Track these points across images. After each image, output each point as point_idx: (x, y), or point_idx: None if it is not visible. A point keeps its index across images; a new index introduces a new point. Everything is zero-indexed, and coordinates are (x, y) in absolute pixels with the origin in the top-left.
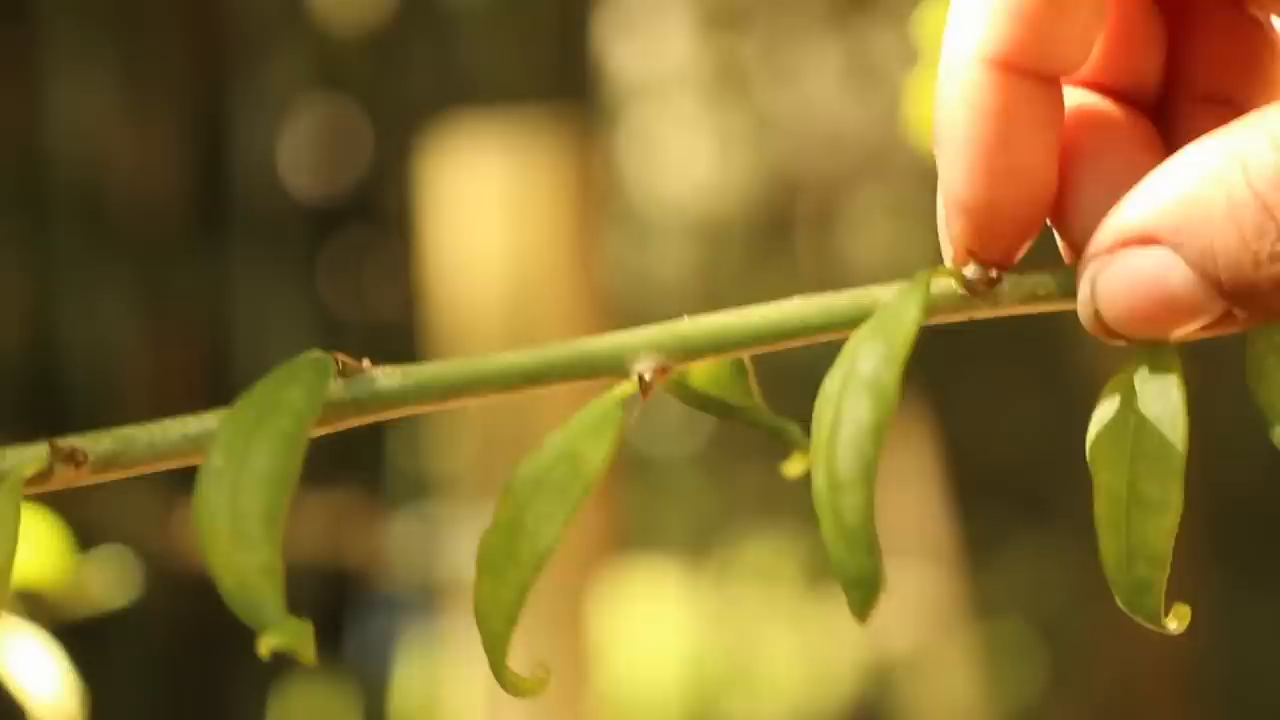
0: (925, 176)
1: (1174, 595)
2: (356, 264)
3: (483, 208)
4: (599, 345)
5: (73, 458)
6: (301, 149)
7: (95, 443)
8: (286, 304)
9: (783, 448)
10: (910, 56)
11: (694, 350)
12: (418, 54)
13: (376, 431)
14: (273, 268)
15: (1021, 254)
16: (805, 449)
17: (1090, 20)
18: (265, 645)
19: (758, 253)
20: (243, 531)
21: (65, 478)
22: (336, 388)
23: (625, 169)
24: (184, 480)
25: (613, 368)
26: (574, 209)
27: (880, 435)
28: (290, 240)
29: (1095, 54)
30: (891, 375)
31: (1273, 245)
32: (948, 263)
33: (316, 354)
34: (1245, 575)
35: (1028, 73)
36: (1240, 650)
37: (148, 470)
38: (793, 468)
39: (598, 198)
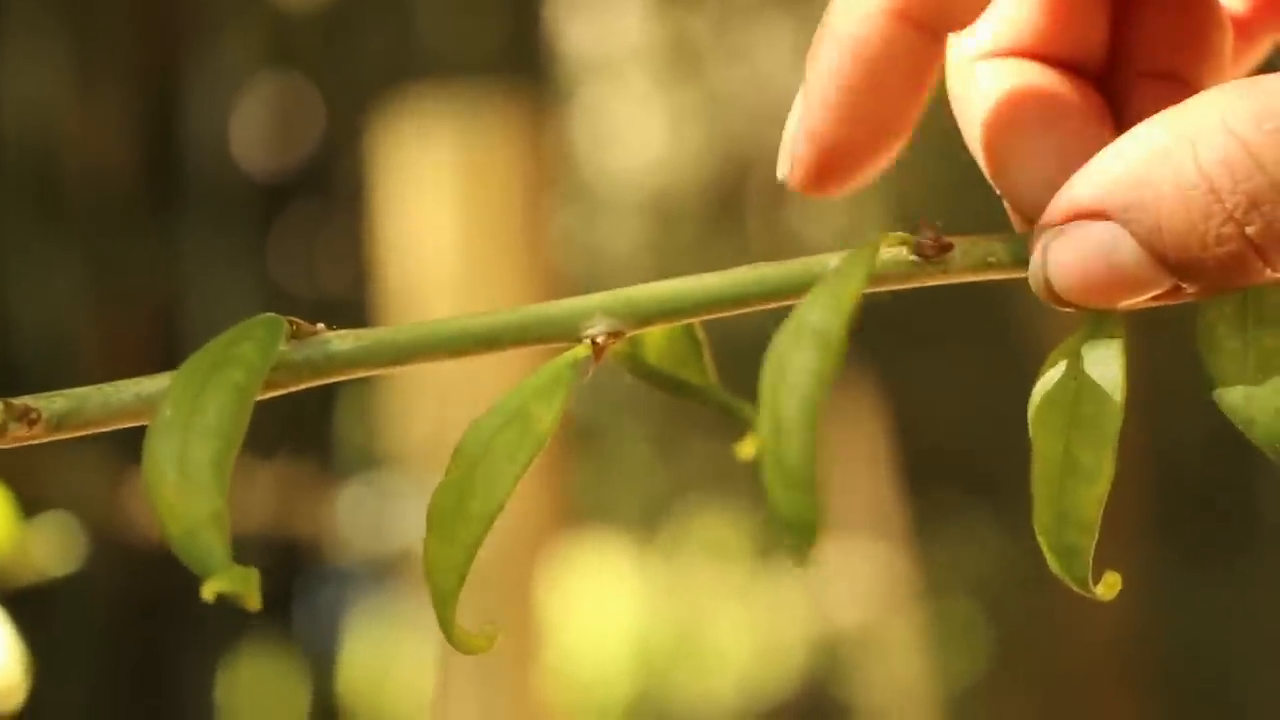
0: None
1: (1120, 569)
2: (308, 240)
3: (435, 184)
4: (552, 309)
5: (26, 416)
6: (254, 124)
7: (49, 402)
8: (238, 280)
9: (735, 424)
10: None
11: (646, 315)
12: (371, 29)
13: (326, 402)
14: (224, 243)
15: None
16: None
17: None
18: (210, 590)
19: (709, 229)
20: (191, 480)
21: (18, 436)
22: (290, 349)
23: (578, 145)
24: (132, 450)
25: (565, 332)
26: (526, 185)
27: (825, 381)
28: (242, 216)
29: (1041, 26)
30: (837, 324)
31: (1219, 227)
32: (781, 165)
33: (270, 315)
34: (1189, 554)
35: (918, 24)
36: (1184, 628)
37: (101, 429)
38: (745, 449)
39: (550, 174)
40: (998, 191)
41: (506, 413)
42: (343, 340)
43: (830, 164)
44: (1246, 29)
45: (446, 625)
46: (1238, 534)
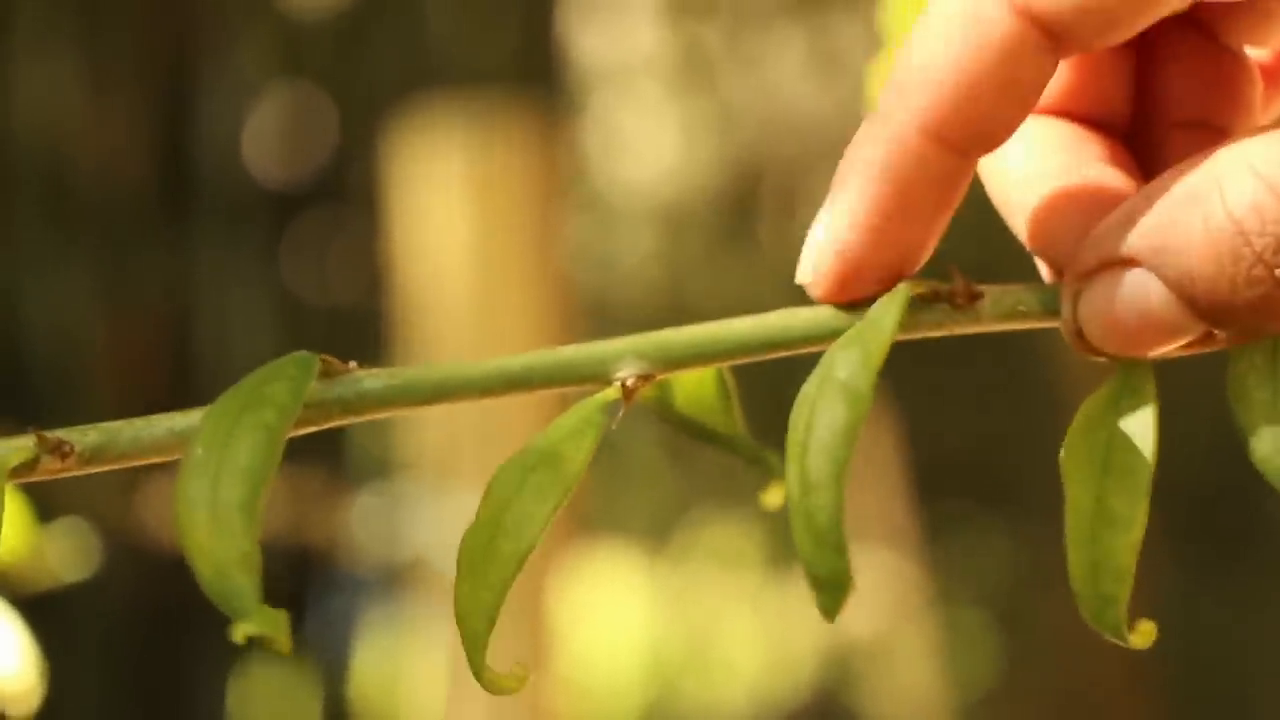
0: None
1: (1132, 583)
2: (321, 248)
3: (448, 193)
4: (581, 352)
5: (59, 449)
6: (266, 132)
7: (82, 435)
8: (251, 287)
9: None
10: (873, 44)
11: (677, 359)
12: (384, 38)
13: None
14: (237, 252)
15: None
16: (783, 479)
17: (1015, 113)
18: (240, 634)
19: (721, 239)
20: (221, 521)
21: (50, 469)
22: (321, 387)
23: (590, 154)
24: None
25: (595, 374)
26: (538, 194)
27: (852, 438)
28: (255, 224)
29: (1065, 83)
30: (866, 380)
31: (1249, 270)
32: (803, 272)
33: (302, 353)
34: (1200, 561)
35: (952, 146)
36: (1195, 637)
37: (132, 464)
38: (771, 498)
39: (562, 183)
40: (1026, 247)
41: (537, 454)
42: (373, 379)
43: (856, 279)
44: (1272, 77)
45: (478, 668)
46: (1248, 541)
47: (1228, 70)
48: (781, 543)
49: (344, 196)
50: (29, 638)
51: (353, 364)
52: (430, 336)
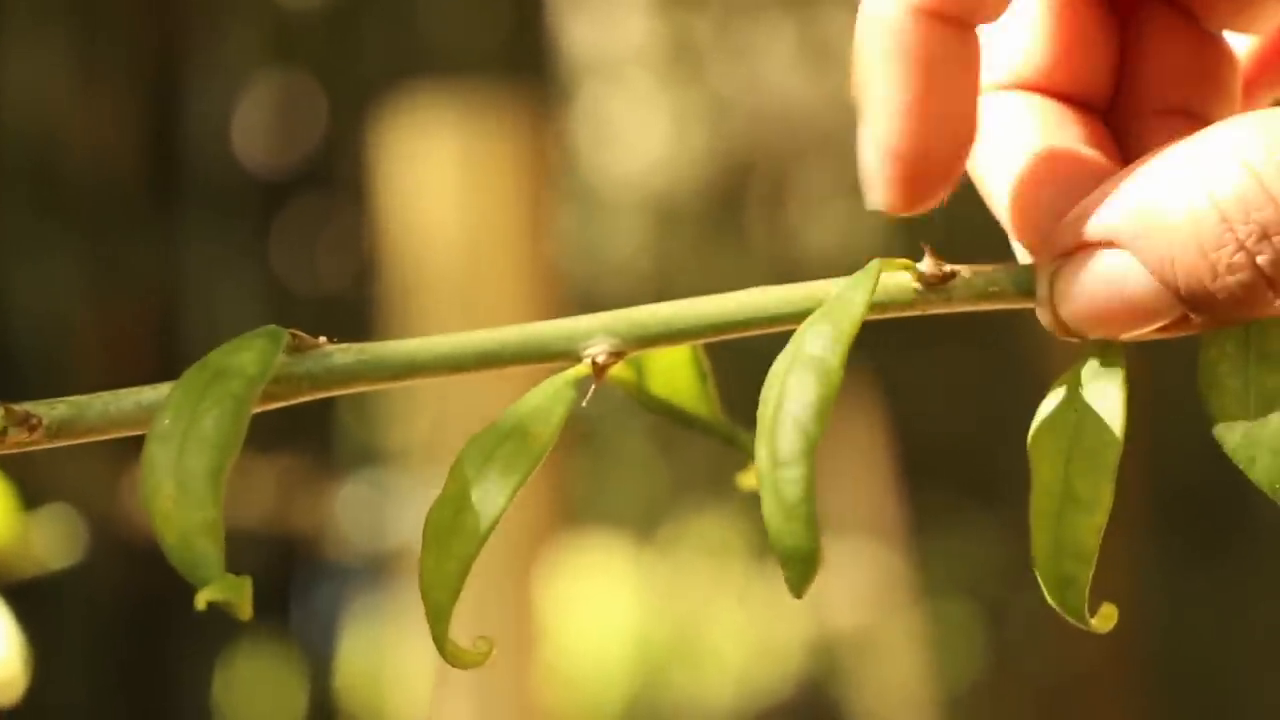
0: None
1: (1118, 570)
2: (310, 236)
3: (436, 182)
4: (552, 328)
5: (26, 422)
6: (255, 121)
7: (50, 408)
8: (239, 275)
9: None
10: None
11: (648, 336)
12: (373, 27)
13: (326, 399)
14: (226, 239)
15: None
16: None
17: None
18: (203, 599)
19: (710, 230)
20: (187, 489)
21: (18, 441)
22: (290, 361)
23: (579, 144)
24: (133, 445)
25: (566, 351)
26: (527, 184)
27: (823, 413)
28: (243, 212)
29: (1048, 60)
30: (836, 355)
31: (1230, 257)
32: (871, 193)
33: (272, 326)
34: (1188, 553)
35: (949, 19)
36: (1183, 629)
37: (101, 437)
38: (747, 480)
39: (551, 173)
40: (1001, 223)
41: (504, 429)
42: (343, 354)
43: (920, 177)
44: (1264, 64)
45: (440, 640)
46: (1236, 533)
47: (1208, 56)
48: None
49: (333, 185)
50: (14, 625)
51: (323, 339)
52: (418, 325)
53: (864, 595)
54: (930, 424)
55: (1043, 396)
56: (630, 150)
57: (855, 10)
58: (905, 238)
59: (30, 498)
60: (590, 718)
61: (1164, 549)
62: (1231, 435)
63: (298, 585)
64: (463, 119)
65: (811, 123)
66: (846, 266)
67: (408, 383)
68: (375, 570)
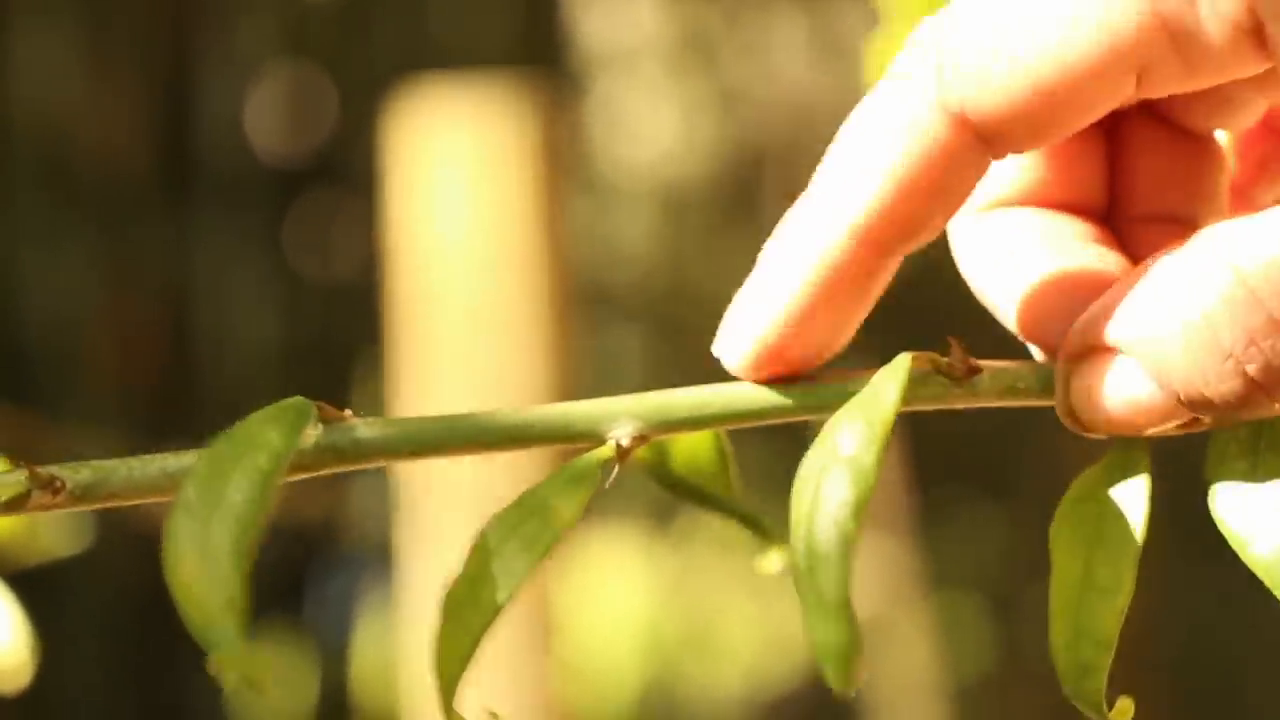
0: None
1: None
2: (321, 227)
3: (448, 173)
4: (577, 410)
5: (50, 485)
6: (267, 111)
7: (74, 472)
8: (250, 266)
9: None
10: (873, 25)
11: (672, 421)
12: (385, 18)
13: (339, 391)
14: (237, 230)
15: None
16: (781, 542)
17: (961, 199)
18: (230, 681)
19: (722, 220)
20: (210, 565)
21: (41, 504)
22: (316, 434)
23: (592, 136)
24: (143, 434)
25: (590, 432)
26: (540, 175)
27: (860, 512)
28: (255, 202)
29: (1039, 174)
30: (871, 455)
31: (1220, 365)
32: (722, 348)
33: (298, 399)
34: (1198, 544)
35: (880, 248)
36: (1193, 619)
37: (124, 502)
38: (768, 564)
39: (564, 164)
40: (1015, 331)
41: (529, 506)
42: (368, 428)
43: (773, 364)
44: (1242, 192)
45: (447, 711)
46: None
47: (1191, 159)
48: (781, 529)
49: (345, 177)
50: (23, 615)
51: (348, 412)
52: (429, 317)
53: (874, 587)
54: (941, 417)
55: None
56: (642, 141)
57: (865, 0)
58: None
59: None
60: (603, 709)
61: (1176, 538)
62: (1224, 503)
63: (311, 576)
64: (475, 111)
65: (823, 113)
66: None
67: (432, 458)
68: (388, 561)
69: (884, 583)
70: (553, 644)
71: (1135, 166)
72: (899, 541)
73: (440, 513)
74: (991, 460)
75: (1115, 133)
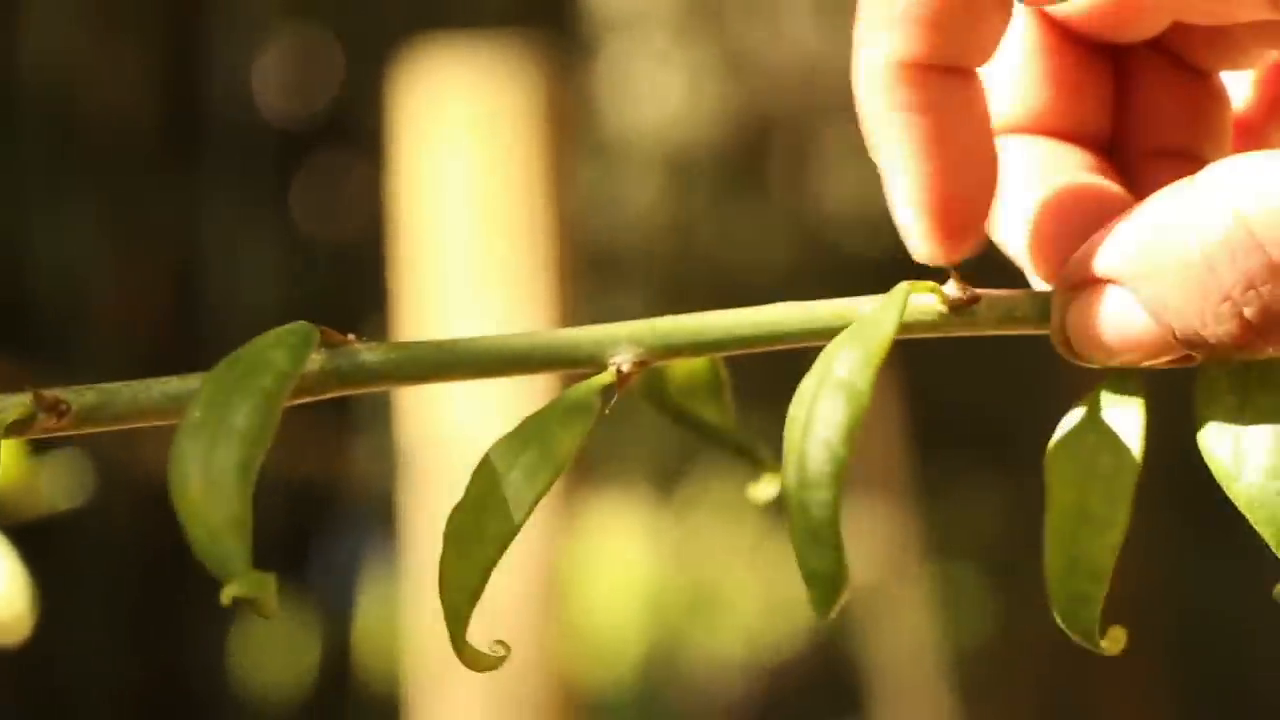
0: None
1: (1128, 539)
2: (327, 187)
3: (455, 134)
4: (579, 336)
5: (55, 408)
6: (274, 72)
7: (78, 395)
8: (257, 227)
9: (749, 389)
10: None
11: (673, 347)
12: None
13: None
14: (244, 190)
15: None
16: (774, 471)
17: (997, 19)
18: (228, 595)
19: (729, 185)
20: (215, 484)
21: (46, 426)
22: (320, 358)
23: (599, 99)
24: None
25: (592, 358)
26: (546, 138)
27: (852, 436)
28: (261, 163)
29: (1044, 106)
30: (865, 379)
31: (1216, 306)
32: (916, 248)
33: (303, 323)
34: (1198, 519)
35: (945, 70)
36: (1193, 593)
37: (128, 425)
38: (761, 490)
39: (570, 127)
40: (1014, 259)
41: (528, 435)
42: (371, 353)
43: (954, 225)
44: (1254, 130)
45: (458, 643)
46: None
47: (1198, 96)
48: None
49: (351, 138)
50: (22, 566)
51: (351, 336)
52: (434, 279)
53: (875, 554)
54: (942, 386)
55: (1053, 359)
56: (649, 104)
57: None
58: None
59: (40, 441)
60: (606, 673)
61: (1176, 514)
62: (1209, 439)
63: (315, 538)
64: (481, 73)
65: (831, 78)
66: (864, 222)
67: (435, 382)
68: (393, 523)
69: (884, 551)
70: (557, 608)
71: (1141, 101)
72: (899, 510)
73: (445, 475)
74: (991, 429)
75: (1121, 67)
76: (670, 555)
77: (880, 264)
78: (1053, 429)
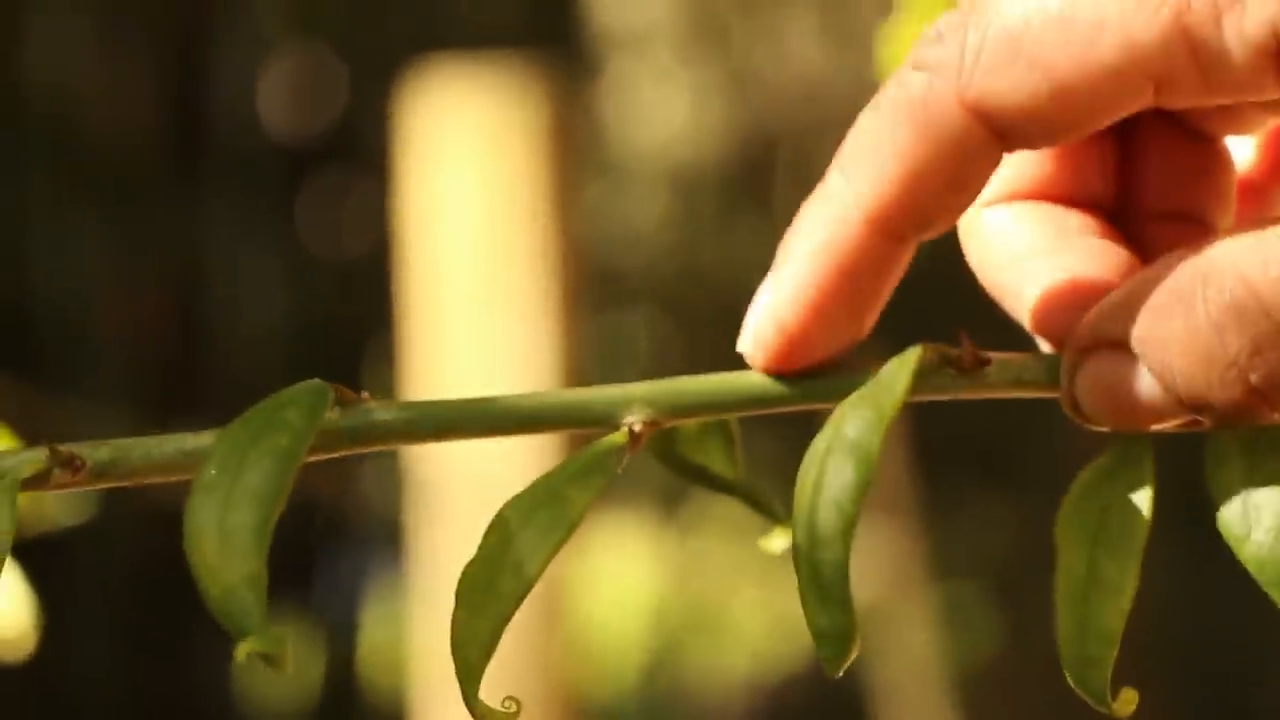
0: None
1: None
2: (332, 205)
3: (460, 153)
4: (592, 396)
5: (70, 464)
6: (279, 90)
7: (94, 450)
8: (262, 244)
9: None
10: (886, 9)
11: (686, 409)
12: None
13: (349, 371)
14: (248, 207)
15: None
16: (786, 523)
17: (975, 190)
18: (243, 651)
19: (735, 203)
20: (231, 543)
21: (61, 482)
22: (332, 416)
23: (604, 117)
24: (149, 405)
25: (604, 419)
26: (551, 156)
27: (861, 495)
28: (266, 180)
29: (1047, 171)
30: (875, 440)
31: (1223, 371)
32: (744, 342)
33: (316, 381)
34: (1206, 532)
35: (893, 234)
36: (1199, 607)
37: (143, 481)
38: (773, 543)
39: (575, 145)
40: (1019, 321)
41: (543, 493)
42: (384, 411)
43: (796, 353)
44: (1258, 191)
45: (470, 700)
46: None
47: (1202, 160)
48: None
49: (356, 155)
50: (25, 583)
51: (365, 394)
52: (439, 297)
53: (879, 573)
54: (948, 405)
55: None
56: (654, 124)
57: None
58: None
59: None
60: (610, 691)
61: (1183, 527)
62: (1229, 506)
63: (321, 555)
64: (487, 91)
65: (835, 98)
66: None
67: (447, 440)
68: (398, 542)
69: (889, 569)
70: (562, 625)
71: (1145, 165)
72: (904, 528)
73: (451, 494)
74: (997, 448)
75: (1125, 131)
76: (675, 573)
77: None
78: (1058, 449)
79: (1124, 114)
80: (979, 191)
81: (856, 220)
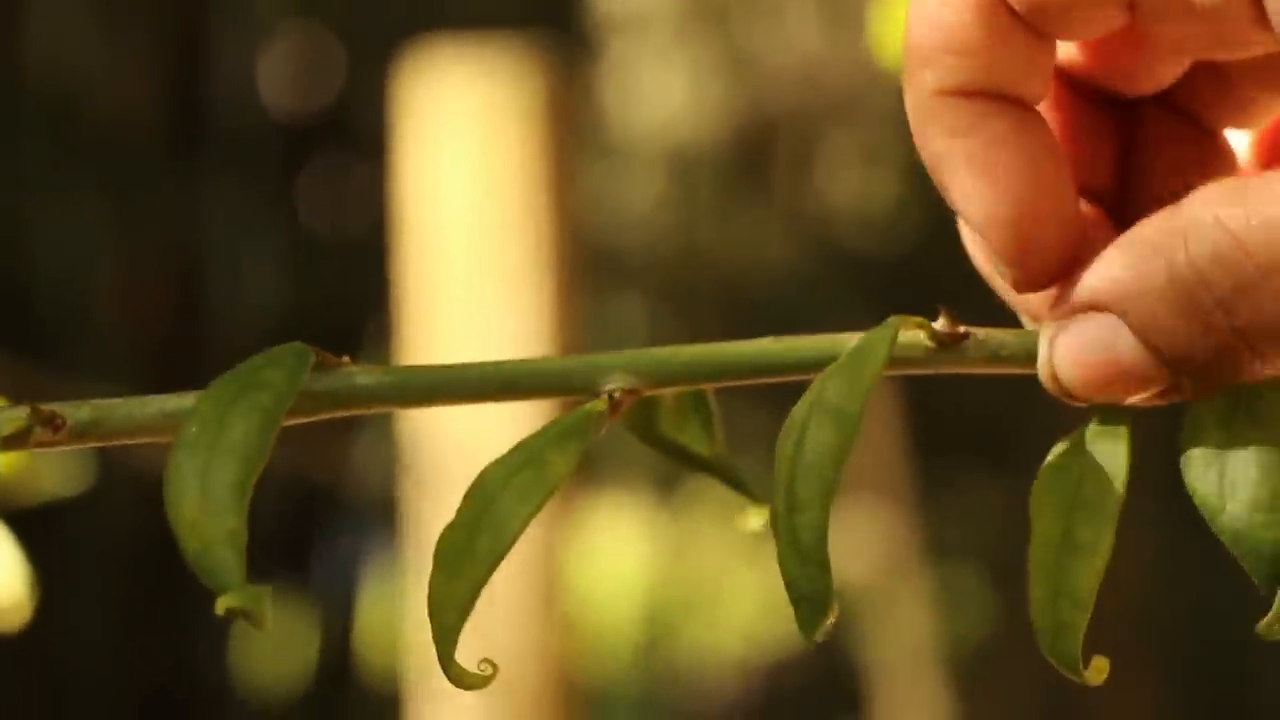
0: (899, 114)
1: (1126, 535)
2: (331, 186)
3: (458, 134)
4: (572, 363)
5: (51, 422)
6: (278, 70)
7: (75, 410)
8: (260, 225)
9: (749, 390)
10: None
11: (667, 377)
12: None
13: (348, 347)
14: (247, 188)
15: (1066, 273)
16: (762, 502)
17: (1039, 51)
18: (222, 606)
19: (733, 186)
20: (211, 499)
21: (41, 440)
22: (314, 379)
23: (603, 99)
24: (146, 379)
25: (585, 385)
26: (549, 137)
27: (841, 460)
28: (265, 161)
29: None
30: (855, 405)
31: (1207, 318)
32: (999, 288)
33: (297, 344)
34: (1196, 525)
35: (997, 97)
36: (1193, 592)
37: (124, 441)
38: (749, 521)
39: (573, 127)
40: (1004, 298)
41: (523, 457)
42: (366, 375)
43: (1040, 255)
44: (1268, 157)
45: (446, 662)
46: None
47: (1205, 152)
48: (764, 487)
49: (355, 137)
50: (22, 555)
51: (345, 358)
52: (437, 278)
53: (873, 554)
54: (941, 386)
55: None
56: (652, 105)
57: None
58: (923, 190)
59: None
60: (604, 671)
61: (1177, 512)
62: (1193, 469)
63: (316, 535)
64: (485, 73)
65: (834, 79)
66: (866, 222)
67: (430, 406)
68: (394, 520)
69: (884, 550)
70: (556, 606)
71: (1147, 155)
72: (898, 511)
73: (446, 474)
74: (990, 430)
75: (1128, 123)
76: (669, 554)
77: (883, 264)
78: (1051, 429)
79: (1101, 22)
80: (1041, 48)
81: (944, 98)
